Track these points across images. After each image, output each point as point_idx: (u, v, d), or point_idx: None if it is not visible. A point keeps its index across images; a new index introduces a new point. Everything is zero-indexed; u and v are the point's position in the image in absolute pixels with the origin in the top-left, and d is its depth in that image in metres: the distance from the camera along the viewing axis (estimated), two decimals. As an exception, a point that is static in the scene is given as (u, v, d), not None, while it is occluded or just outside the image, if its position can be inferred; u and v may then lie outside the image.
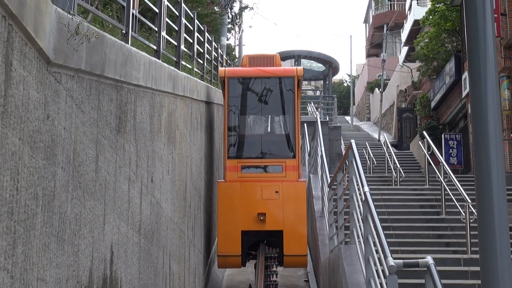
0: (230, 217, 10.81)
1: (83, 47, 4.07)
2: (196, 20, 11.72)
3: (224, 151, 11.39)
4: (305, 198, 10.87)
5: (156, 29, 7.79)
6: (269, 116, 11.85)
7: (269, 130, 11.81)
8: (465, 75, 18.18)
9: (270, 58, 12.19)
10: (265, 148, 11.39)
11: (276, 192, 10.78)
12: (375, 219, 5.78)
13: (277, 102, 11.52)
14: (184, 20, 9.87)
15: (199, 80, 10.78)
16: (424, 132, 14.91)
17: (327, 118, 23.33)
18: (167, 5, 8.40)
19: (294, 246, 10.62)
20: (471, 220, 8.88)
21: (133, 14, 6.17)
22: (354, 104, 45.62)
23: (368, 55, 48.72)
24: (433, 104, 23.04)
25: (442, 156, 14.94)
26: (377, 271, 5.62)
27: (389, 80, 36.41)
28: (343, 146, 20.53)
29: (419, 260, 4.96)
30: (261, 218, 10.70)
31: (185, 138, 8.98)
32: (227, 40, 23.38)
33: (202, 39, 12.69)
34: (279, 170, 10.92)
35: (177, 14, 9.46)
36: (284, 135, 11.55)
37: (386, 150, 17.66)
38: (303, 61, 26.78)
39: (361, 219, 6.57)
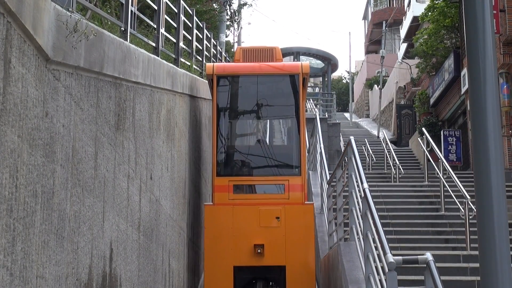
0: (219, 250, 8.82)
1: (82, 45, 4.07)
2: (195, 17, 11.71)
3: (212, 167, 9.28)
4: (313, 225, 9.07)
5: (155, 26, 7.78)
6: (268, 123, 9.82)
7: (267, 141, 9.72)
8: (464, 71, 18.17)
9: (269, 52, 10.24)
10: (263, 162, 9.42)
11: (277, 218, 8.86)
12: (374, 215, 5.78)
13: (277, 106, 9.64)
14: (183, 17, 9.87)
15: (198, 77, 10.76)
16: (423, 129, 14.92)
17: (326, 115, 23.33)
18: (166, 2, 8.39)
19: (300, 285, 8.74)
20: (470, 217, 8.88)
21: (131, 11, 6.16)
22: (353, 101, 45.62)
23: (367, 51, 48.69)
24: (432, 100, 23.04)
25: (441, 152, 14.95)
26: (376, 267, 5.62)
27: (388, 76, 36.39)
28: (342, 143, 20.53)
29: (419, 256, 4.97)
30: (259, 250, 8.74)
31: (184, 135, 8.97)
32: (226, 37, 23.37)
33: (201, 36, 12.68)
34: (281, 190, 9.00)
35: (176, 11, 9.45)
36: (287, 147, 9.77)
37: (385, 147, 17.66)
38: (302, 57, 26.77)
39: (361, 215, 6.57)
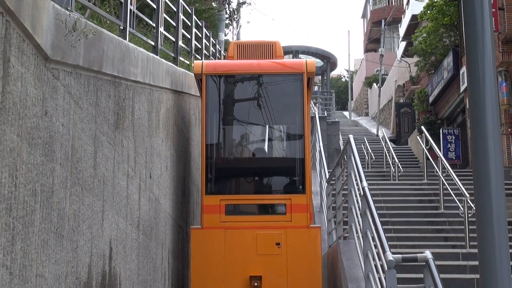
0: (209, 282, 7.57)
1: (81, 43, 4.07)
2: (194, 16, 11.71)
3: (201, 183, 7.99)
4: (320, 252, 7.77)
5: (154, 25, 7.78)
6: (267, 131, 8.34)
7: (266, 152, 8.35)
8: (463, 69, 18.18)
9: (267, 47, 8.87)
10: (261, 178, 8.29)
11: (277, 244, 7.62)
12: (373, 214, 5.78)
13: (278, 111, 8.24)
14: (182, 16, 9.87)
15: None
16: (422, 127, 14.92)
17: (325, 114, 23.35)
18: (165, 1, 8.39)
19: None
20: (469, 215, 8.89)
21: (131, 10, 6.16)
22: (352, 99, 45.64)
23: (366, 50, 48.69)
24: (431, 99, 23.05)
25: (440, 151, 14.97)
26: (376, 266, 5.63)
27: (387, 75, 36.40)
28: (341, 142, 20.54)
29: (418, 254, 4.97)
30: (255, 283, 7.54)
31: (183, 134, 8.97)
32: (225, 35, 23.35)
33: (200, 35, 12.68)
34: (282, 212, 7.80)
35: (175, 10, 9.45)
36: (289, 160, 8.33)
37: (385, 145, 17.67)
38: (301, 56, 26.78)
39: (360, 214, 6.57)
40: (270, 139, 8.42)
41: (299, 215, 7.72)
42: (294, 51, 26.87)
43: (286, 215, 7.75)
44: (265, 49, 8.89)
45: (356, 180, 7.05)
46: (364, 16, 52.22)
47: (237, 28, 27.13)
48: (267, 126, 8.34)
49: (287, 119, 8.43)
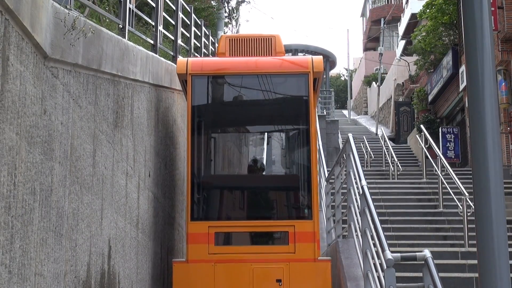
0: None
1: (80, 42, 4.06)
2: (193, 15, 11.70)
3: (186, 207, 6.78)
4: None
5: (153, 23, 7.78)
6: (265, 143, 7.27)
7: (264, 169, 7.25)
8: (463, 68, 18.18)
9: (266, 42, 7.49)
10: (257, 200, 7.04)
11: (278, 281, 6.36)
12: (372, 212, 5.78)
13: (278, 119, 7.11)
14: (181, 15, 9.86)
15: (196, 75, 10.73)
16: (422, 126, 14.93)
17: (325, 112, 23.37)
18: (164, -1, 8.40)
19: None
20: (468, 214, 8.90)
21: (130, 8, 6.16)
22: (351, 98, 45.63)
23: (365, 49, 48.68)
24: (430, 97, 23.06)
25: (439, 149, 14.97)
26: (374, 264, 5.63)
27: (386, 74, 36.41)
28: (340, 140, 20.55)
29: (417, 253, 4.98)
30: None
31: (182, 133, 8.97)
32: (224, 34, 23.35)
33: (199, 34, 12.67)
34: (283, 241, 6.54)
35: (174, 8, 9.44)
36: (291, 177, 7.13)
37: (384, 144, 17.68)
38: (300, 55, 26.79)
39: (359, 213, 6.57)
40: (269, 153, 7.30)
41: (304, 245, 6.47)
42: (293, 50, 26.86)
43: (289, 245, 6.49)
44: (263, 44, 7.52)
45: (355, 178, 7.04)
46: (363, 14, 52.22)
47: (236, 26, 27.12)
48: (266, 137, 7.34)
49: (290, 129, 7.24)
